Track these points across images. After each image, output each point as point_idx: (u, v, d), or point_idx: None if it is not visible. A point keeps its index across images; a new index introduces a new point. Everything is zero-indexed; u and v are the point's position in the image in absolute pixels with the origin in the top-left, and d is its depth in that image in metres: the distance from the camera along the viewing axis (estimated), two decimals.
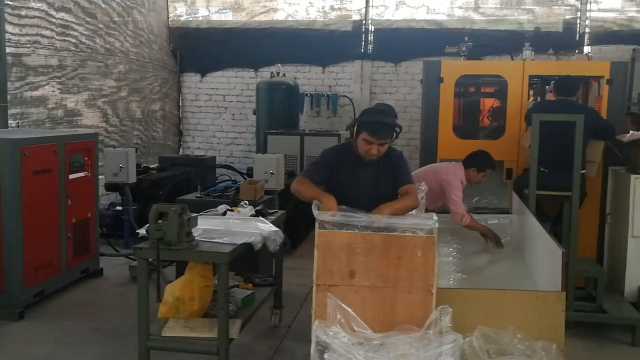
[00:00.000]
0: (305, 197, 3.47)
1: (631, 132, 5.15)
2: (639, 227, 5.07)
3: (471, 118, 6.49)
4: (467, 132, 6.16)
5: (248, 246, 3.80)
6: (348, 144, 3.66)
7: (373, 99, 9.51)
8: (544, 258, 3.87)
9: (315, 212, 3.16)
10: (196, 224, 3.72)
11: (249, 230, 3.92)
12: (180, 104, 10.19)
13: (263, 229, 4.03)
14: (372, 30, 9.53)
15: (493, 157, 5.15)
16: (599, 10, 8.99)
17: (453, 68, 5.68)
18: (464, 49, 6.29)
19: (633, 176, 5.07)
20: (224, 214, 4.47)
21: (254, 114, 9.20)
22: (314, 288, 3.05)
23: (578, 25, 8.96)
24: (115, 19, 8.61)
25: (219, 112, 10.09)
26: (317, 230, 3.09)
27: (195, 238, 3.68)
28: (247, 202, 4.62)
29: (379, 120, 3.47)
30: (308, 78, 9.75)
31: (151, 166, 8.09)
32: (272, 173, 6.40)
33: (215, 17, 10.02)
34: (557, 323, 3.29)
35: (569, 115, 4.82)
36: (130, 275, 5.93)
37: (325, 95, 9.61)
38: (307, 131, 8.57)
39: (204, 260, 3.70)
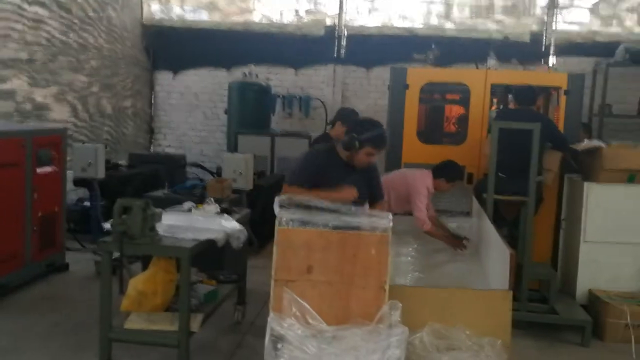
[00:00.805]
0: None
1: (585, 141, 5.39)
2: (591, 232, 5.31)
3: (435, 124, 6.69)
4: (430, 138, 6.36)
5: (211, 242, 3.90)
6: (332, 147, 3.78)
7: (345, 103, 9.66)
8: (496, 259, 4.06)
9: (276, 209, 3.29)
10: (160, 220, 3.82)
11: (212, 227, 4.02)
12: (152, 102, 10.21)
13: (227, 226, 4.13)
14: (345, 34, 9.69)
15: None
16: (565, 22, 9.29)
17: (418, 75, 5.86)
18: (431, 56, 6.50)
19: (586, 183, 5.31)
20: (189, 210, 4.58)
21: (226, 113, 9.28)
22: (272, 283, 3.18)
23: (544, 37, 9.25)
24: (90, 14, 8.63)
25: (191, 110, 10.14)
26: (276, 227, 3.22)
27: (159, 233, 3.77)
28: (212, 199, 4.72)
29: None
30: (280, 80, 9.86)
31: (121, 162, 8.12)
32: (240, 173, 6.52)
33: (189, 17, 10.07)
34: (504, 320, 3.46)
35: (527, 123, 5.04)
36: (96, 270, 5.97)
37: (298, 97, 9.73)
38: (278, 132, 8.69)
39: (167, 254, 3.79)
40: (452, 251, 5.09)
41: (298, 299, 3.01)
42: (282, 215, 3.23)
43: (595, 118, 8.61)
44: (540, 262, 5.47)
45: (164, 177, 7.97)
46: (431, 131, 6.60)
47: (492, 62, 6.44)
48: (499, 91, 6.32)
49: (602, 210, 5.28)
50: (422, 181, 5.09)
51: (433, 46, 6.55)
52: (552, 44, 9.25)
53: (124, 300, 3.93)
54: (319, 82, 9.80)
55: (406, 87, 5.82)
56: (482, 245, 4.90)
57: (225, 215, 4.45)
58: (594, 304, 5.17)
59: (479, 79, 5.76)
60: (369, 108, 9.27)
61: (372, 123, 3.67)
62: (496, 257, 4.08)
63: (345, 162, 3.67)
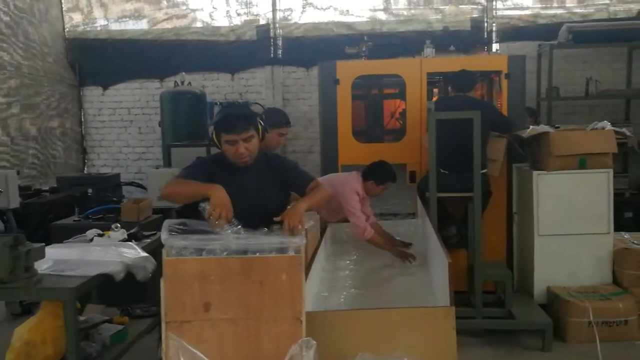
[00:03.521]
0: (185, 196, 2.98)
1: (531, 127, 4.94)
2: (544, 225, 4.86)
3: (373, 121, 6.17)
4: (368, 136, 5.85)
5: (106, 277, 3.30)
6: (221, 155, 3.18)
7: (286, 105, 9.10)
8: (438, 268, 3.54)
9: (163, 235, 2.70)
10: (42, 256, 3.19)
11: (108, 259, 3.41)
12: (82, 120, 9.48)
13: (128, 256, 3.52)
14: (280, 34, 9.14)
15: (394, 163, 4.83)
16: (505, 7, 8.91)
17: (349, 69, 5.35)
18: (364, 49, 5.99)
19: (535, 172, 4.86)
20: (92, 239, 3.96)
21: (160, 126, 8.62)
22: (163, 326, 2.59)
23: (485, 23, 8.85)
24: (4, 30, 7.89)
25: (124, 126, 9.44)
26: (164, 257, 2.63)
27: (40, 272, 3.15)
28: (118, 225, 4.11)
29: (229, 114, 3.14)
30: (217, 86, 9.24)
31: (44, 188, 7.40)
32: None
33: (114, 27, 9.37)
34: (448, 341, 2.94)
35: (466, 112, 4.56)
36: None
37: (236, 103, 9.13)
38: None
39: (45, 297, 3.18)
40: (399, 262, 4.56)
41: (188, 346, 2.42)
42: (170, 242, 2.64)
43: (543, 102, 8.23)
44: (495, 261, 4.99)
45: (94, 200, 7.29)
46: (369, 129, 6.09)
47: (429, 51, 5.96)
48: (439, 80, 5.86)
49: (554, 201, 4.84)
50: (350, 185, 4.54)
51: (365, 38, 6.05)
52: (494, 30, 8.85)
53: (7, 354, 3.28)
54: (257, 85, 9.21)
55: (336, 82, 5.29)
56: (427, 252, 4.39)
57: (130, 243, 3.84)
58: (554, 302, 4.71)
59: (414, 69, 5.27)
60: (312, 109, 8.74)
61: (228, 105, 3.34)
62: (438, 265, 3.56)
63: (236, 166, 3.10)
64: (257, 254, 2.63)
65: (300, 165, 3.35)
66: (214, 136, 3.08)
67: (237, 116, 3.07)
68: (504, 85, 5.20)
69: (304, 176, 3.22)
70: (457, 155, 4.71)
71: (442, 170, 4.80)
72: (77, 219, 5.02)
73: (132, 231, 4.10)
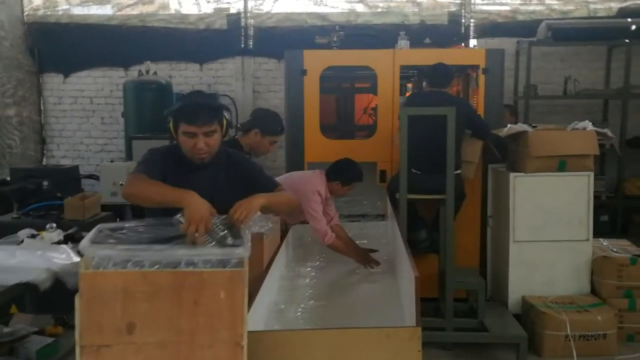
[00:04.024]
0: (153, 201, 2.54)
1: (509, 125, 4.60)
2: (521, 230, 4.54)
3: (341, 116, 5.78)
4: (336, 132, 5.47)
5: (29, 286, 2.87)
6: (176, 147, 2.77)
7: (257, 98, 8.69)
8: (405, 280, 3.17)
9: (84, 244, 2.28)
10: None
11: (33, 266, 2.98)
12: (42, 108, 8.92)
13: (57, 261, 3.10)
14: (252, 24, 8.69)
15: (364, 161, 4.47)
16: (484, 2, 8.59)
17: (317, 59, 4.96)
18: (335, 39, 5.60)
19: (512, 174, 4.53)
20: (23, 241, 3.51)
21: (123, 117, 8.14)
22: (77, 352, 2.18)
23: (463, 18, 8.52)
24: None
25: (86, 116, 8.90)
26: (80, 271, 2.21)
27: None
28: (54, 225, 3.67)
29: (192, 102, 2.66)
30: (185, 76, 8.76)
31: None
32: (122, 184, 5.43)
33: (77, 11, 8.83)
34: None
35: (440, 108, 4.20)
36: None
37: (202, 91, 8.64)
38: None
39: None
40: (364, 268, 4.19)
41: None
42: (89, 251, 2.22)
43: (520, 101, 7.93)
44: (467, 268, 4.66)
45: (50, 193, 6.80)
46: (338, 124, 5.70)
47: (403, 43, 5.59)
48: (414, 75, 5.49)
49: (531, 205, 4.51)
50: (311, 185, 4.14)
51: (337, 27, 5.66)
52: (472, 25, 8.53)
53: None
54: (226, 76, 8.76)
55: (303, 73, 4.90)
56: (395, 258, 4.03)
57: (64, 246, 3.41)
58: (529, 313, 4.38)
59: (387, 61, 4.90)
60: (283, 102, 8.30)
61: (193, 92, 2.94)
62: (405, 277, 3.19)
63: (191, 162, 2.70)
64: (191, 268, 2.23)
65: (265, 170, 2.94)
66: (170, 125, 2.66)
67: (202, 105, 2.62)
68: (482, 81, 4.86)
69: (269, 181, 2.83)
70: (430, 154, 4.37)
71: (413, 170, 4.44)
72: (15, 215, 4.56)
73: (69, 232, 3.66)
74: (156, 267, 2.23)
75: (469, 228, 4.91)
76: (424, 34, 7.64)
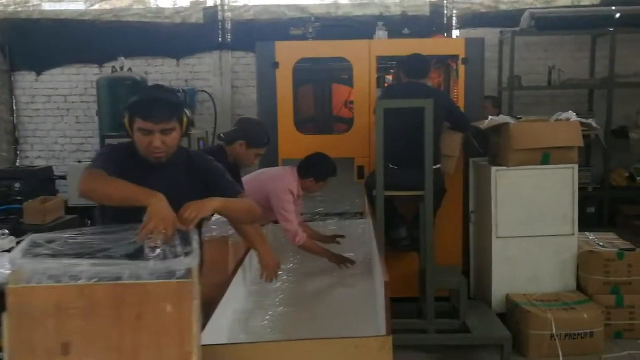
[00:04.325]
0: (113, 198, 2.30)
1: (490, 117, 4.40)
2: (504, 226, 4.34)
3: (316, 110, 5.55)
4: (311, 127, 5.24)
5: None
6: (132, 144, 2.52)
7: (235, 93, 8.45)
8: (379, 285, 2.96)
9: (15, 255, 2.05)
10: None
11: None
12: (14, 108, 8.62)
13: (2, 272, 2.86)
14: (229, 17, 8.43)
15: (341, 157, 4.28)
16: None
17: (290, 51, 4.72)
18: (310, 30, 5.37)
19: (494, 168, 4.32)
20: None
21: (97, 115, 7.86)
22: None
23: (445, 9, 8.30)
24: None
25: (61, 115, 8.62)
26: (9, 286, 1.98)
27: None
28: (6, 231, 3.43)
29: (149, 96, 2.46)
30: (161, 72, 8.49)
31: None
32: None
33: (48, 7, 8.54)
34: None
35: (417, 100, 3.99)
36: None
37: (182, 90, 8.39)
38: None
39: None
40: (339, 270, 3.98)
41: None
42: (18, 265, 2.00)
43: (504, 92, 7.75)
44: (449, 266, 4.46)
45: (23, 195, 6.54)
46: (313, 119, 5.47)
47: (381, 34, 5.37)
48: (393, 67, 5.27)
49: (514, 199, 4.31)
50: (283, 183, 3.93)
51: (312, 18, 5.43)
52: (455, 16, 8.31)
53: None
54: (204, 72, 8.50)
55: (276, 66, 4.66)
56: (373, 259, 3.82)
57: None
58: (513, 312, 4.19)
59: (362, 52, 4.67)
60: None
61: (152, 86, 2.77)
62: (378, 280, 2.98)
63: (147, 162, 2.47)
64: (133, 280, 2.00)
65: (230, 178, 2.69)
66: (126, 120, 2.42)
67: (160, 101, 2.40)
68: (461, 72, 4.65)
69: (231, 186, 2.59)
70: (408, 149, 4.15)
71: (390, 166, 4.23)
72: None
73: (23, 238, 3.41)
74: (94, 280, 2.01)
75: (451, 225, 4.72)
76: (405, 25, 7.45)
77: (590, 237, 4.60)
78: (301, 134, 4.78)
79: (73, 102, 8.60)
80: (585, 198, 7.44)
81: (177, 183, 2.48)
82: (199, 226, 2.47)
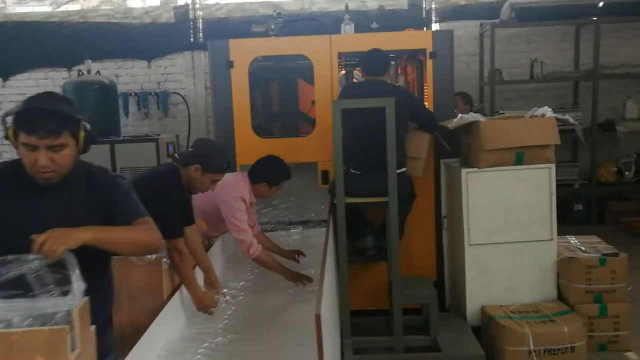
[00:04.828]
0: None
1: (460, 115, 4.03)
2: (476, 232, 3.98)
3: (281, 112, 5.18)
4: (275, 130, 4.87)
5: None
6: (18, 162, 2.12)
7: (209, 95, 8.02)
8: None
9: None
10: None
11: None
12: None
13: None
14: (201, 15, 8.06)
15: (304, 162, 3.93)
16: None
17: (245, 49, 4.36)
18: (272, 27, 5.00)
19: (464, 170, 3.96)
20: None
21: None
22: None
23: (424, 2, 7.92)
24: None
25: None
26: None
27: None
28: None
29: (39, 106, 2.03)
30: (132, 75, 8.13)
31: None
32: None
33: (13, 9, 8.15)
34: None
35: (377, 99, 3.63)
36: None
37: (153, 93, 8.04)
38: (122, 137, 6.98)
39: None
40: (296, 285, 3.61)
41: None
42: None
43: (485, 87, 7.39)
44: (420, 277, 4.10)
45: None
46: (275, 121, 5.10)
47: (348, 28, 5.00)
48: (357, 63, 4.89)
49: (487, 203, 3.95)
50: (233, 190, 3.56)
51: (274, 14, 5.05)
52: (434, 9, 7.93)
53: None
54: (176, 73, 8.12)
55: (230, 65, 4.30)
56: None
57: None
58: (488, 325, 3.83)
59: (322, 48, 4.30)
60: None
61: (43, 94, 2.15)
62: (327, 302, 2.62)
63: (35, 183, 2.08)
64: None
65: (135, 196, 2.24)
66: (10, 133, 2.03)
67: (47, 112, 2.00)
68: (429, 66, 4.28)
69: (131, 209, 2.17)
70: (370, 152, 3.81)
71: (352, 171, 3.88)
72: None
73: None
74: None
75: (423, 231, 4.36)
76: (384, 20, 7.10)
77: (572, 241, 4.24)
78: (260, 137, 4.41)
79: None
80: (571, 195, 7.11)
81: (75, 206, 2.10)
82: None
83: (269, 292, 3.56)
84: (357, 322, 3.89)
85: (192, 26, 8.07)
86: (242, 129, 4.33)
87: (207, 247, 3.68)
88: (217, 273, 3.75)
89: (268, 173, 3.64)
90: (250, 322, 3.12)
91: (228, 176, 3.75)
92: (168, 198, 2.83)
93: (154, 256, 2.87)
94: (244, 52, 4.31)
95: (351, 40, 4.44)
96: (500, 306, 3.91)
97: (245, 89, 4.31)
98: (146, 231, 2.13)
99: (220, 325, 3.02)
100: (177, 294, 2.91)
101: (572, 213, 7.07)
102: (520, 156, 3.87)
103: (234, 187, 3.57)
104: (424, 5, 7.91)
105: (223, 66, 4.29)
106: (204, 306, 3.00)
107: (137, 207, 2.17)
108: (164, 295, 2.90)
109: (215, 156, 3.11)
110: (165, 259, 2.91)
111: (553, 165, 3.92)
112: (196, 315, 3.11)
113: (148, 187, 2.71)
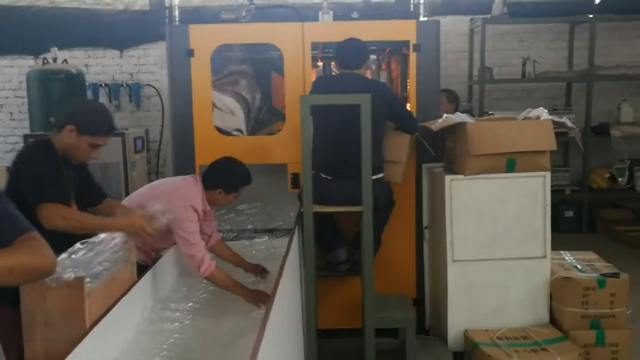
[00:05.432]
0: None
1: (445, 115, 3.54)
2: (460, 248, 3.48)
3: (246, 106, 4.65)
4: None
5: None
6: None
7: None
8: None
9: None
10: None
11: None
12: None
13: None
14: (177, 3, 7.46)
15: (271, 163, 3.44)
16: None
17: (207, 36, 3.84)
18: (244, 14, 4.50)
19: (448, 177, 3.47)
20: None
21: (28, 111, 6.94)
22: None
23: None
24: None
25: None
26: None
27: None
28: None
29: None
30: (103, 65, 7.58)
31: None
32: None
33: None
34: None
35: (351, 95, 3.13)
36: None
37: (125, 85, 7.50)
38: None
39: None
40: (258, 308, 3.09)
41: None
42: None
43: (475, 86, 6.92)
44: (397, 295, 3.62)
45: None
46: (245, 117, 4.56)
47: (326, 17, 4.50)
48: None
49: (474, 214, 3.46)
50: (183, 199, 3.02)
51: (247, 1, 4.55)
52: (422, 3, 7.41)
53: None
54: (150, 64, 7.58)
55: (190, 54, 3.78)
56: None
57: None
58: (471, 353, 3.35)
59: (294, 37, 3.79)
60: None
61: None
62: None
63: None
64: None
65: (17, 213, 1.66)
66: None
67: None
68: (412, 60, 3.79)
69: (7, 227, 1.59)
70: (343, 155, 3.31)
71: (323, 175, 3.38)
72: None
73: None
74: None
75: (402, 243, 3.88)
76: (370, 13, 6.63)
77: (567, 258, 3.76)
78: (223, 135, 3.89)
79: (7, 97, 7.67)
80: (562, 201, 6.66)
81: None
82: None
83: (224, 316, 3.03)
84: (326, 345, 3.41)
85: (167, 14, 7.47)
86: (202, 125, 3.82)
87: (155, 260, 3.18)
88: (166, 291, 3.26)
89: (224, 178, 3.12)
90: (210, 344, 2.62)
91: (177, 181, 3.25)
92: (32, 161, 2.54)
93: (72, 276, 2.35)
94: (206, 39, 3.79)
95: (326, 28, 3.94)
96: (486, 330, 3.43)
97: (207, 81, 3.80)
98: (30, 252, 1.58)
99: (162, 354, 2.51)
100: (101, 321, 2.40)
101: (562, 220, 6.63)
102: (511, 162, 3.39)
103: (184, 195, 3.04)
104: None
105: (182, 55, 3.77)
106: (135, 230, 2.61)
107: (14, 223, 1.62)
108: (87, 323, 2.38)
109: (92, 115, 2.63)
110: (88, 281, 2.39)
111: (548, 174, 3.44)
112: (127, 347, 2.60)
113: (17, 162, 2.58)
